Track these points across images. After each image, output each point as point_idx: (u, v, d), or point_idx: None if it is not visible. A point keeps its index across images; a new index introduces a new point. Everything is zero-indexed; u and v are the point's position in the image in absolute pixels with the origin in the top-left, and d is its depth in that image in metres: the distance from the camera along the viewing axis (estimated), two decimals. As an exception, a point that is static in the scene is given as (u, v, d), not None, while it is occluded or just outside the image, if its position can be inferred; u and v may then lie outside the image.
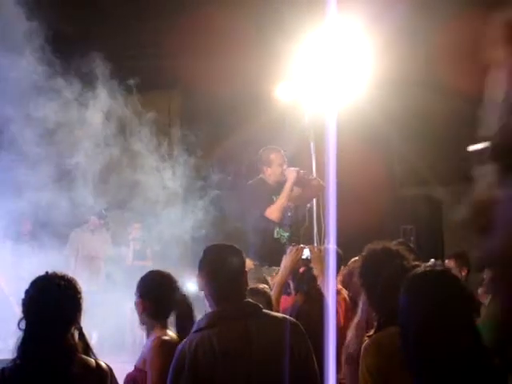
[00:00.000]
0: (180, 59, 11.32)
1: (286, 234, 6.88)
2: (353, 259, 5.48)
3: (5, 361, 3.69)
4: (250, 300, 3.29)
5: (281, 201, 6.83)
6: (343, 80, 7.75)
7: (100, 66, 9.86)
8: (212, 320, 3.17)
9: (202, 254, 3.39)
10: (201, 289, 3.34)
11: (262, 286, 4.51)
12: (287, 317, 3.40)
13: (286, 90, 8.07)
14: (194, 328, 3.20)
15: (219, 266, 3.29)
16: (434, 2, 8.73)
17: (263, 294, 4.27)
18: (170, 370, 3.12)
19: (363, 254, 3.55)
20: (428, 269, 2.74)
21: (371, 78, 8.04)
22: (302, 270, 4.97)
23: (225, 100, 11.38)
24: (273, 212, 6.79)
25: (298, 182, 7.00)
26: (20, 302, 3.85)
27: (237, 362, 3.09)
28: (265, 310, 3.32)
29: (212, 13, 9.42)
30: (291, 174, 6.90)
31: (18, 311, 3.76)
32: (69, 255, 10.69)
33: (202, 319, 3.22)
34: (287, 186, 6.86)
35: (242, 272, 3.33)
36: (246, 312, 3.22)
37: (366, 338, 3.25)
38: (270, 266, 6.17)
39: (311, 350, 3.25)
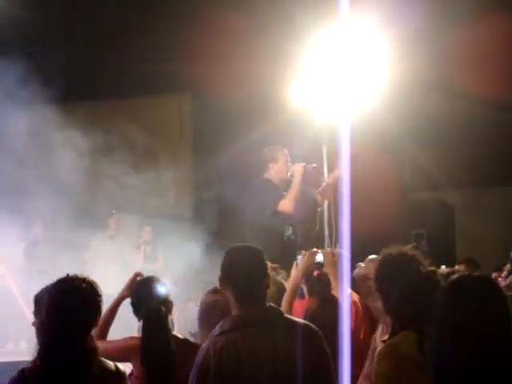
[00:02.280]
0: (191, 63, 11.33)
1: (288, 233, 6.86)
2: (362, 262, 5.47)
3: (18, 363, 3.70)
4: (272, 304, 3.28)
5: (293, 191, 6.82)
6: (356, 84, 7.73)
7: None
8: (236, 323, 3.16)
9: (223, 255, 3.37)
10: (222, 289, 3.33)
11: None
12: (308, 323, 3.38)
13: (298, 93, 8.05)
14: (217, 330, 3.18)
15: (241, 268, 3.27)
16: (448, 5, 8.70)
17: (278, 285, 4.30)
18: (195, 372, 3.11)
19: (379, 258, 3.52)
20: (465, 274, 2.75)
21: (384, 81, 8.02)
22: (316, 273, 4.96)
23: (236, 103, 11.39)
24: (286, 204, 6.77)
25: (305, 176, 7.00)
26: (31, 304, 3.87)
27: (261, 365, 3.08)
28: (286, 315, 3.31)
29: (223, 16, 9.42)
30: (299, 168, 6.91)
31: (28, 314, 3.78)
32: (88, 261, 10.73)
33: (225, 322, 3.21)
34: (297, 179, 6.85)
35: (264, 274, 3.31)
36: (269, 316, 3.21)
37: (381, 343, 3.23)
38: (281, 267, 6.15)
39: (329, 356, 3.23)
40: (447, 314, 2.60)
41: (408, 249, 3.49)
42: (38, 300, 3.76)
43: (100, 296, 3.26)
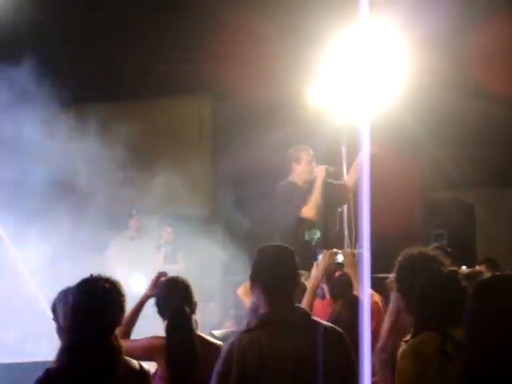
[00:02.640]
0: (210, 64, 11.35)
1: (317, 237, 6.87)
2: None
3: (40, 363, 3.73)
4: (300, 305, 3.30)
5: (315, 197, 6.84)
6: (375, 84, 7.72)
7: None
8: (262, 322, 3.18)
9: (255, 254, 3.38)
10: (252, 288, 3.34)
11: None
12: (333, 326, 3.39)
13: (317, 94, 8.06)
14: (243, 328, 3.20)
15: (271, 266, 3.28)
16: (467, 6, 8.67)
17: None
18: (219, 367, 3.14)
19: (399, 258, 3.53)
20: (496, 274, 2.75)
21: (403, 81, 8.01)
22: (337, 274, 4.97)
23: (255, 105, 11.39)
24: (309, 210, 6.80)
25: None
26: (51, 304, 3.90)
27: (283, 365, 3.10)
28: (313, 317, 3.32)
29: (243, 18, 9.43)
30: (321, 171, 6.93)
31: (50, 315, 3.81)
32: (108, 262, 10.78)
33: (251, 320, 3.23)
34: (318, 183, 6.88)
35: (294, 273, 3.32)
36: (295, 317, 3.23)
37: (402, 343, 3.23)
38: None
39: (355, 361, 3.23)
40: (479, 314, 2.58)
41: (429, 249, 3.50)
42: (59, 301, 3.79)
43: (123, 296, 3.28)
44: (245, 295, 4.83)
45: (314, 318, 3.35)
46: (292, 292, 3.27)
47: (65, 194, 9.72)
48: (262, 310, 3.24)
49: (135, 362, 3.31)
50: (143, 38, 11.28)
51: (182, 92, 13.12)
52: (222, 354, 3.16)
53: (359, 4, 5.99)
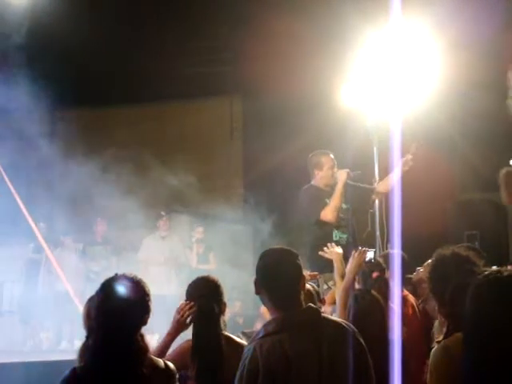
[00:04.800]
0: (242, 64, 11.39)
1: (345, 236, 6.87)
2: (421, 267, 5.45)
3: (73, 361, 3.77)
4: (311, 305, 3.30)
5: (334, 201, 6.85)
6: (407, 83, 7.70)
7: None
8: (280, 325, 3.18)
9: (258, 259, 3.39)
10: (257, 293, 3.33)
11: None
12: (345, 321, 3.40)
13: (348, 93, 8.04)
14: (261, 333, 3.20)
15: (276, 271, 3.27)
16: (501, 5, 8.61)
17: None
18: (243, 374, 3.12)
19: (432, 259, 3.51)
20: (494, 273, 2.70)
21: (435, 81, 7.97)
22: (374, 275, 4.95)
23: (287, 105, 11.40)
24: (327, 214, 6.81)
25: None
26: (84, 303, 3.94)
27: (309, 365, 3.10)
28: (323, 315, 3.33)
29: (274, 17, 9.45)
30: (342, 175, 6.93)
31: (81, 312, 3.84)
32: (140, 261, 10.86)
33: (268, 324, 3.23)
34: (339, 186, 6.88)
35: (298, 276, 3.32)
36: (310, 317, 3.23)
37: (435, 343, 3.23)
38: (332, 271, 6.15)
39: (367, 351, 3.24)
40: (479, 318, 2.56)
41: (462, 249, 3.47)
42: (89, 301, 3.83)
43: (148, 295, 3.28)
44: (266, 313, 4.82)
45: (326, 316, 3.35)
46: (298, 294, 3.26)
47: (95, 194, 9.82)
48: (272, 315, 3.24)
49: (161, 361, 3.31)
50: (174, 40, 11.35)
51: (213, 93, 13.18)
52: (245, 360, 3.14)
53: (392, 4, 5.98)
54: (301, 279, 3.31)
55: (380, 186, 7.34)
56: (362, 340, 3.24)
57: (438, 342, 3.20)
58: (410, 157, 6.85)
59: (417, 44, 7.71)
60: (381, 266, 5.13)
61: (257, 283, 3.31)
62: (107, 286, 3.26)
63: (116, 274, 3.32)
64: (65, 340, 10.70)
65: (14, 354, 9.65)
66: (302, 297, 3.28)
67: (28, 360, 8.54)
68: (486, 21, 8.82)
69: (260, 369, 3.07)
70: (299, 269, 3.32)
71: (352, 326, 3.32)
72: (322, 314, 3.30)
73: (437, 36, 7.90)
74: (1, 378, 7.21)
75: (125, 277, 3.28)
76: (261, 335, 3.19)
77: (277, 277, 3.26)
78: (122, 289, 3.21)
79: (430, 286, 3.45)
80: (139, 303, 3.24)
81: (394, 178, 6.84)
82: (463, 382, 2.55)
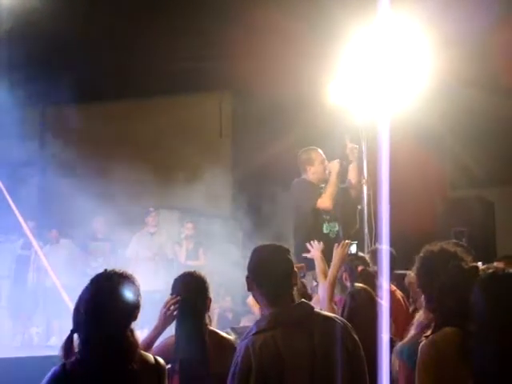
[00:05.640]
0: (231, 61, 11.38)
1: (335, 229, 6.90)
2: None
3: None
4: (304, 300, 3.31)
5: (330, 189, 6.88)
6: (396, 81, 7.71)
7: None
8: (273, 322, 3.18)
9: (250, 254, 3.40)
10: (249, 289, 3.35)
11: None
12: (337, 317, 3.42)
13: (337, 91, 8.05)
14: (253, 330, 3.21)
15: (267, 267, 3.29)
16: (489, 4, 8.65)
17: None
18: (236, 371, 3.12)
19: (420, 255, 3.53)
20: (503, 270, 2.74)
21: (424, 78, 7.99)
22: (360, 269, 4.98)
23: (276, 102, 11.41)
24: (325, 201, 6.84)
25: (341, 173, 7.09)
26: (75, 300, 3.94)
27: (301, 361, 3.11)
28: (316, 310, 3.34)
29: (263, 15, 9.45)
30: (335, 165, 6.96)
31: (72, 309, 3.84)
32: (129, 257, 10.85)
33: (260, 321, 3.23)
34: (333, 175, 6.91)
35: (290, 271, 3.33)
36: (303, 313, 3.24)
37: (423, 338, 3.25)
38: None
39: (360, 345, 3.26)
40: (487, 310, 2.58)
41: (450, 246, 3.50)
42: (80, 296, 3.83)
43: (138, 290, 3.28)
44: (254, 304, 4.83)
45: (319, 311, 3.37)
46: (291, 289, 3.28)
47: (88, 191, 9.82)
48: (265, 311, 3.25)
49: (151, 357, 3.31)
50: (163, 36, 11.33)
51: (203, 89, 13.17)
52: (238, 357, 3.14)
53: (380, 1, 5.99)
54: (292, 275, 3.32)
55: (351, 179, 7.37)
56: (355, 336, 3.26)
57: (426, 337, 3.23)
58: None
59: (406, 41, 7.72)
60: (364, 259, 5.16)
61: (249, 280, 3.32)
62: (97, 282, 3.25)
63: (105, 270, 3.30)
64: (54, 335, 10.69)
65: (4, 349, 9.64)
66: (295, 292, 3.30)
67: (18, 355, 8.54)
68: (477, 18, 8.86)
69: (253, 366, 3.08)
70: (291, 264, 3.34)
71: (345, 321, 3.34)
72: (315, 310, 3.32)
73: (427, 33, 7.91)
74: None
75: (115, 272, 3.27)
76: (253, 332, 3.19)
77: (268, 273, 3.27)
78: (111, 283, 3.21)
79: (418, 282, 3.47)
80: (129, 298, 3.22)
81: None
82: (477, 374, 2.56)
